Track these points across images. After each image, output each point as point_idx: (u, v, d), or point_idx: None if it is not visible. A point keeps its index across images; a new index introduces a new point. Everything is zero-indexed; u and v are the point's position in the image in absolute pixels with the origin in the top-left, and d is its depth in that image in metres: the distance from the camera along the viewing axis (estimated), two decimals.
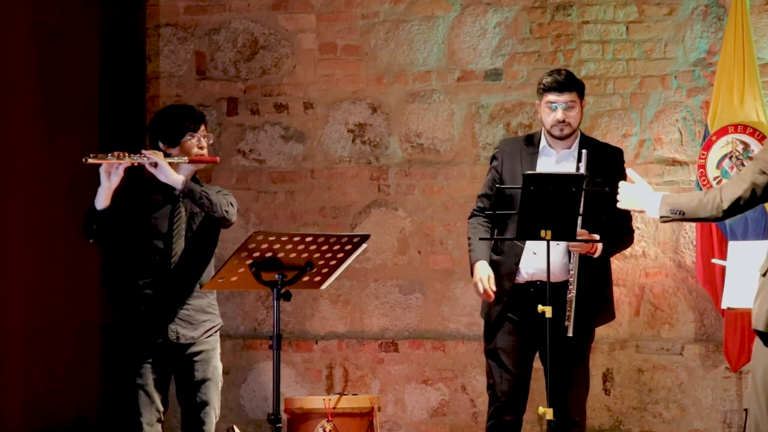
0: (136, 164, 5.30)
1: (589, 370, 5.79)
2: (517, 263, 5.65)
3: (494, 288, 5.60)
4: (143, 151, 5.30)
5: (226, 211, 5.36)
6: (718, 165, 6.76)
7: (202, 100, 7.60)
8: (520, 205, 5.28)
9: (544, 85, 5.69)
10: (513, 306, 5.66)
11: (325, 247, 5.04)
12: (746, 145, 6.71)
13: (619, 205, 4.81)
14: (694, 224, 6.79)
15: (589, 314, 5.64)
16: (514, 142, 5.89)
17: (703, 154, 6.78)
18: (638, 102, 7.17)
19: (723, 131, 6.75)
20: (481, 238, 5.65)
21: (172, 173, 5.29)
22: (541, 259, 5.42)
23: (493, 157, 5.85)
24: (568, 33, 7.26)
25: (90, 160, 5.23)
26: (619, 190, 4.80)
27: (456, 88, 7.36)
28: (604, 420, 7.11)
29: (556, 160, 5.73)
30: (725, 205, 4.38)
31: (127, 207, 5.38)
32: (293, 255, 5.01)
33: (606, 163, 5.66)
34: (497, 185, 5.53)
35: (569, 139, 5.72)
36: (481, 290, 5.62)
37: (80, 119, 7.06)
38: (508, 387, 5.69)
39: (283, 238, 4.96)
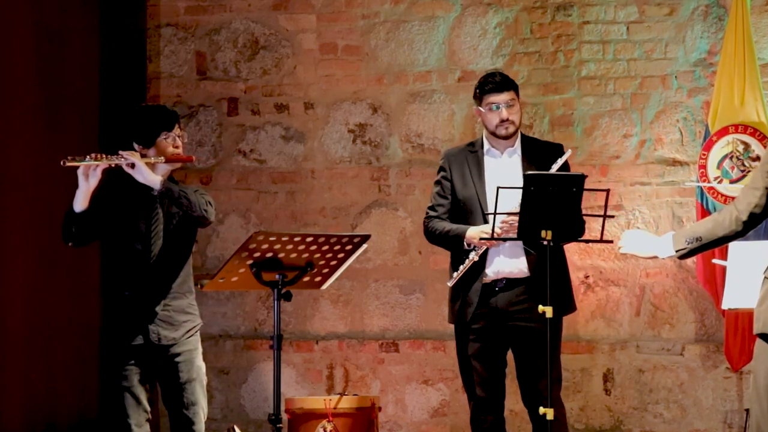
0: (113, 165, 5.26)
1: (561, 364, 5.76)
2: (484, 263, 5.69)
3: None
4: (120, 152, 5.25)
5: (205, 210, 5.33)
6: (719, 165, 6.75)
7: (203, 101, 7.60)
8: (521, 205, 5.31)
9: (482, 88, 5.76)
10: (483, 306, 5.70)
11: (325, 248, 5.04)
12: (747, 146, 6.71)
13: (622, 251, 4.80)
14: (693, 221, 6.77)
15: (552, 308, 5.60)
16: (457, 151, 5.94)
17: (704, 155, 6.78)
18: (639, 102, 7.16)
19: (723, 131, 6.74)
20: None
21: (149, 174, 5.24)
22: (504, 257, 5.65)
23: (441, 168, 5.88)
24: (569, 33, 7.25)
25: (68, 163, 5.20)
26: (622, 237, 4.76)
27: (456, 89, 7.35)
28: (604, 420, 7.11)
29: (506, 157, 5.78)
30: (744, 216, 4.24)
31: (105, 208, 5.35)
32: (294, 255, 5.01)
33: (549, 160, 5.68)
34: (498, 186, 5.52)
35: (512, 139, 5.79)
36: (495, 232, 5.51)
37: (80, 119, 7.06)
38: (484, 389, 5.72)
39: (284, 238, 4.96)
